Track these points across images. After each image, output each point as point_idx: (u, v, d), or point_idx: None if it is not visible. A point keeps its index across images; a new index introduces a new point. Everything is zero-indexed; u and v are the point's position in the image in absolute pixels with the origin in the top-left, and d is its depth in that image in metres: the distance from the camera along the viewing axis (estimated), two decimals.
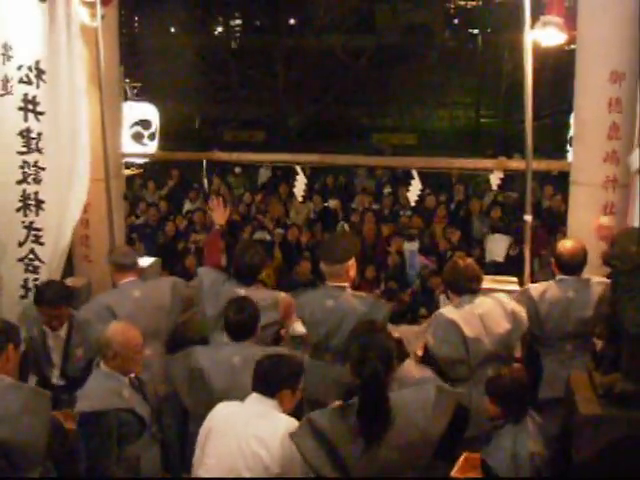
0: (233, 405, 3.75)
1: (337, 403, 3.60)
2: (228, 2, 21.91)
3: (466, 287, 4.73)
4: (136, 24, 21.52)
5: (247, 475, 3.53)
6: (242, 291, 4.85)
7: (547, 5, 5.40)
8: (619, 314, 3.85)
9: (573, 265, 4.95)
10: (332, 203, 12.55)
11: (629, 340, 3.78)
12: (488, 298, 4.75)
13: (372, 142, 22.89)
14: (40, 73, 5.68)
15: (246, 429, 3.59)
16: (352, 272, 4.86)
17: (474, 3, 28.15)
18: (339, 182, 14.44)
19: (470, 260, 4.93)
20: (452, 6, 29.02)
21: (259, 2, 22.01)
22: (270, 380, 3.66)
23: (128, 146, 7.49)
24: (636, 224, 4.85)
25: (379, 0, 25.79)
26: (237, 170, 15.02)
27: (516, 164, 6.63)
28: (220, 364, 4.28)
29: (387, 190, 13.41)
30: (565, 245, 5.04)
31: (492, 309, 4.68)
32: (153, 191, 13.56)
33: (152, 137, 7.91)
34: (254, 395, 3.68)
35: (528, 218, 5.54)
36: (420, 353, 4.84)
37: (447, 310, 4.73)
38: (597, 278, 4.92)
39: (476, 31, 26.62)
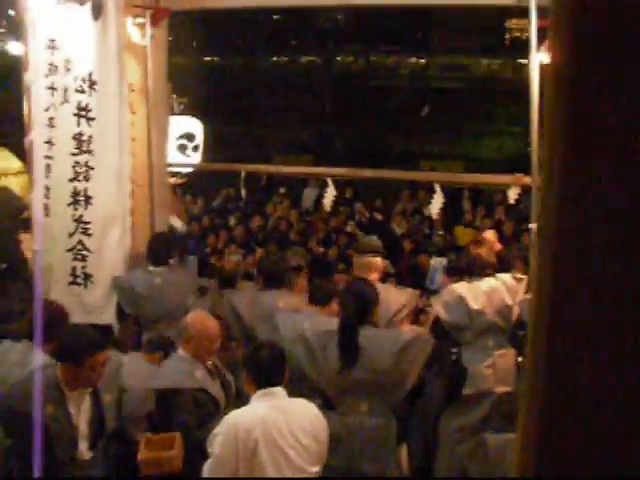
0: None
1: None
2: (280, 28, 22.42)
3: (476, 272, 5.58)
4: (187, 46, 22.12)
5: None
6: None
7: None
8: None
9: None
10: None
11: None
12: (493, 279, 5.51)
13: (420, 169, 23.01)
14: (92, 84, 6.28)
15: None
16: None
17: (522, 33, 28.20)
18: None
19: (480, 252, 5.88)
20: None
21: (311, 32, 22.46)
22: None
23: (173, 157, 7.97)
24: None
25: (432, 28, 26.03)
26: (282, 190, 15.07)
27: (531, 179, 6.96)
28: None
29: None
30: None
31: (497, 287, 5.43)
32: (201, 206, 14.20)
33: (195, 149, 8.39)
34: None
35: (533, 226, 5.94)
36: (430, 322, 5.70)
37: (457, 285, 5.54)
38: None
39: (525, 61, 26.67)
